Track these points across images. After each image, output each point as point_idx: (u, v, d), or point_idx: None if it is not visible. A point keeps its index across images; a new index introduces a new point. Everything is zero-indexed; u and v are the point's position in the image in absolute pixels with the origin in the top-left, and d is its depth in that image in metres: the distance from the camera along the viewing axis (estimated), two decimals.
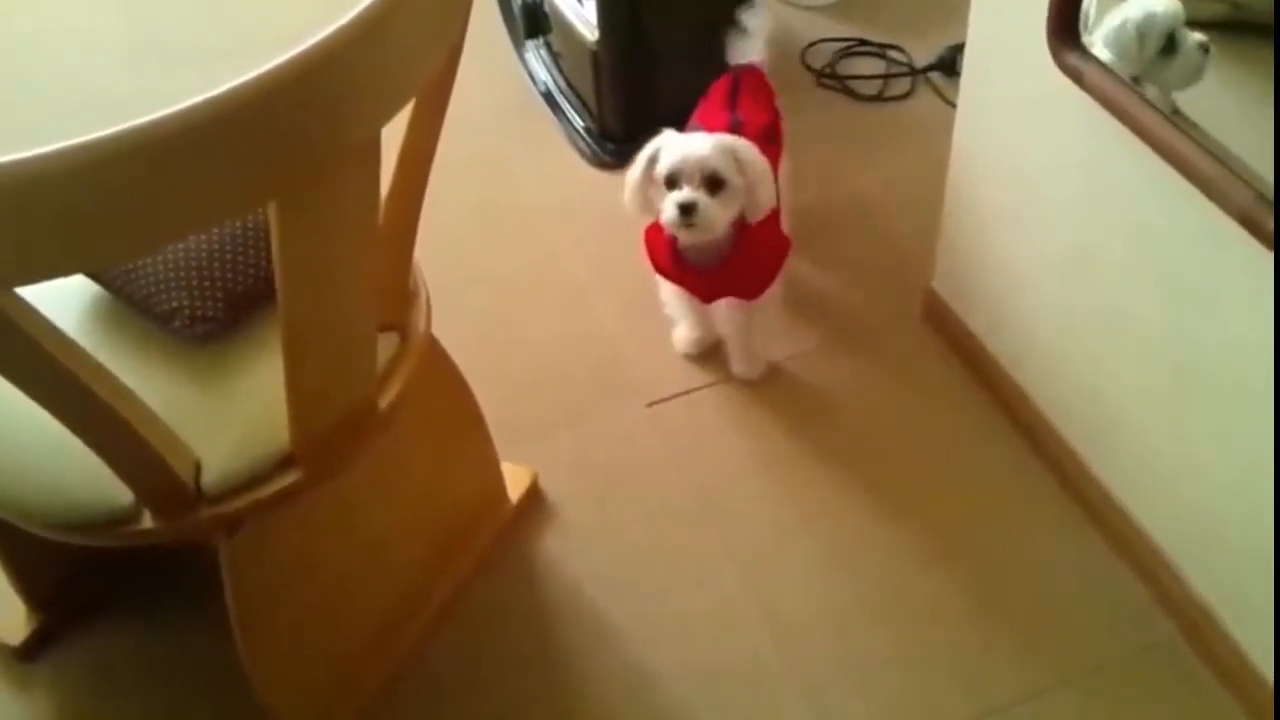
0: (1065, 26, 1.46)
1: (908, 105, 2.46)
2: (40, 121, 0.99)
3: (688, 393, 1.95)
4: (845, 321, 2.04)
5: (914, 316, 2.03)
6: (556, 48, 2.46)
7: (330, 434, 1.31)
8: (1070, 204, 1.58)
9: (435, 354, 1.53)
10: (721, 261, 1.80)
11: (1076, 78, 1.45)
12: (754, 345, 1.96)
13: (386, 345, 1.40)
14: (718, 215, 1.69)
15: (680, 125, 1.81)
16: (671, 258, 1.84)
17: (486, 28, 2.69)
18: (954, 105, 2.21)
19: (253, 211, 1.35)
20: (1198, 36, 1.35)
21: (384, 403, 1.37)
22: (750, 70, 1.96)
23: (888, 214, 2.22)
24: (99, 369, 1.09)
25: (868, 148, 2.37)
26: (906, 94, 2.48)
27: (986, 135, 1.75)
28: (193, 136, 0.87)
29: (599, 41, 2.18)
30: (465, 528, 1.71)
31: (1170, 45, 1.36)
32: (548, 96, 2.49)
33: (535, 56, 2.56)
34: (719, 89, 1.93)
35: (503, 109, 2.52)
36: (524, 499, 1.78)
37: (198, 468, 1.26)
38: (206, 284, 1.36)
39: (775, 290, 1.90)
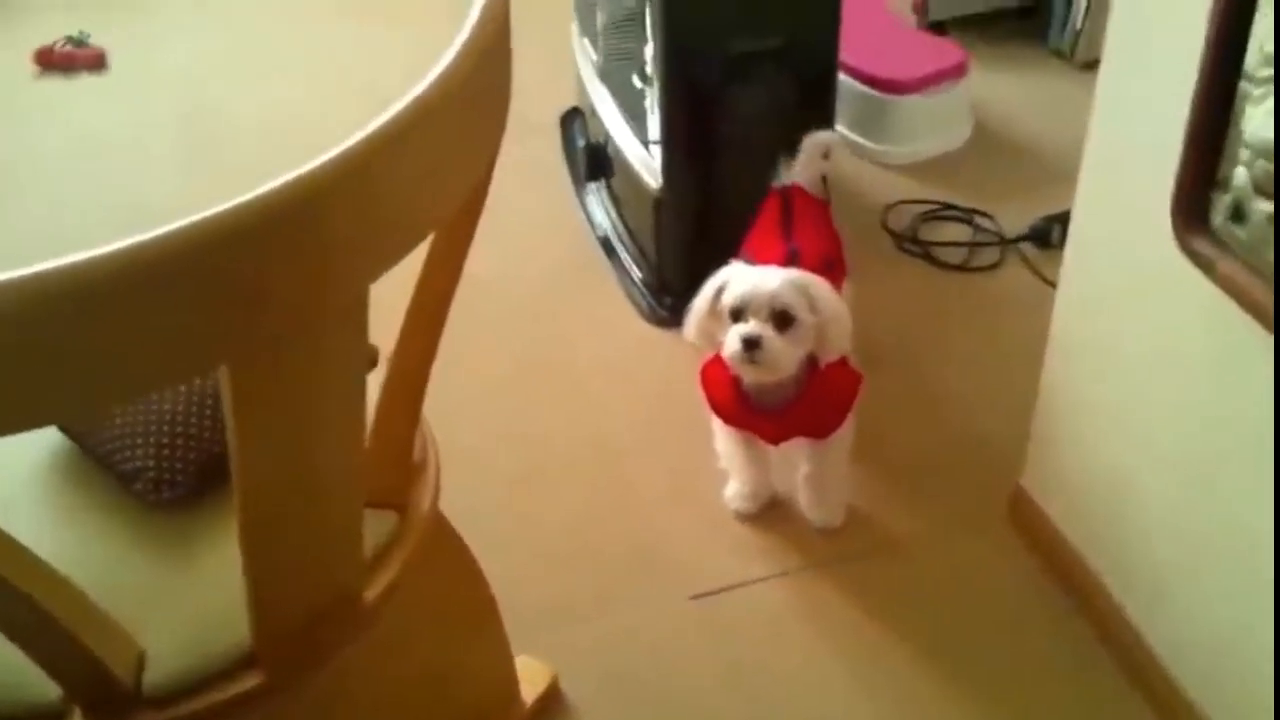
0: (1192, 209, 1.26)
1: (995, 276, 2.26)
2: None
3: (740, 586, 1.71)
4: (921, 516, 1.81)
5: (998, 514, 1.79)
6: (618, 191, 2.31)
7: (302, 629, 1.11)
8: (1193, 406, 1.35)
9: (442, 534, 1.33)
10: (788, 404, 1.65)
11: (1206, 267, 1.24)
12: (829, 488, 1.78)
13: (381, 525, 1.20)
14: (785, 354, 1.54)
15: None
16: (733, 398, 1.68)
17: (546, 163, 2.55)
18: (1047, 281, 2.02)
19: (200, 377, 1.18)
20: (1267, 208, 1.18)
21: (372, 594, 1.16)
22: (797, 190, 1.81)
23: (971, 396, 2.00)
24: (21, 552, 0.91)
25: (951, 321, 2.17)
26: (994, 265, 2.28)
27: (1092, 319, 1.53)
28: (119, 283, 0.69)
29: (663, 189, 2.02)
30: None
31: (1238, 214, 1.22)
32: (605, 243, 2.32)
33: (596, 200, 2.41)
34: (769, 213, 1.80)
35: (557, 253, 2.36)
36: (540, 701, 1.55)
37: (140, 662, 1.06)
38: (178, 444, 1.18)
39: (847, 428, 1.73)
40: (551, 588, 1.72)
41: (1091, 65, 2.76)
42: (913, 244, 2.31)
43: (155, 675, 1.05)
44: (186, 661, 1.07)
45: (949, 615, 1.67)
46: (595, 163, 2.29)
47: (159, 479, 1.16)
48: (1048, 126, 2.62)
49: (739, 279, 1.58)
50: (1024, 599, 1.68)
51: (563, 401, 2.04)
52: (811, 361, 1.63)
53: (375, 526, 1.19)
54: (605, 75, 2.27)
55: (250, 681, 1.09)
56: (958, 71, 2.50)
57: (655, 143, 2.02)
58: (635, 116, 2.11)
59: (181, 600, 1.12)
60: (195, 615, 1.10)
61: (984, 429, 1.94)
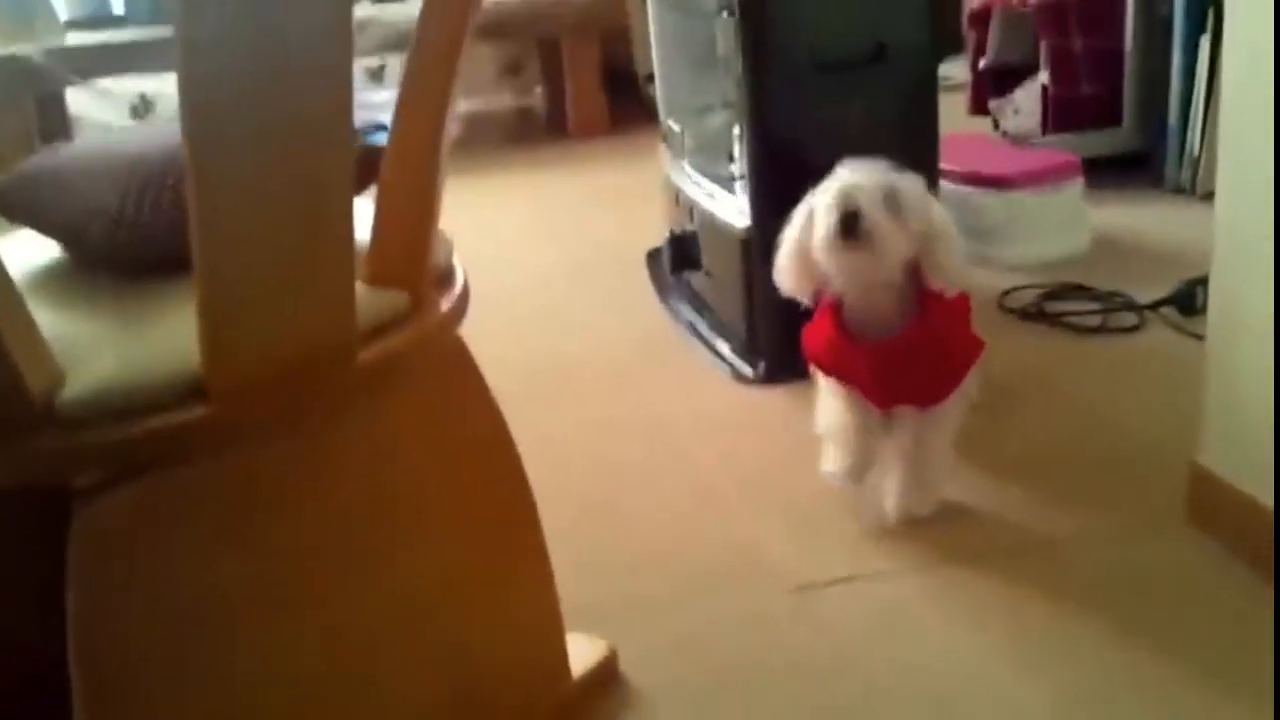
0: None
1: (1137, 337, 1.98)
2: None
3: (853, 579, 1.38)
4: (1082, 518, 1.47)
5: (1174, 515, 1.43)
6: (706, 277, 2.13)
7: (272, 372, 0.86)
8: None
9: (466, 372, 1.07)
10: (897, 335, 1.40)
11: None
12: (925, 470, 1.46)
13: (389, 301, 0.97)
14: (891, 234, 1.30)
15: None
16: (835, 335, 1.43)
17: (634, 291, 2.40)
18: (1198, 336, 1.80)
19: None
20: None
21: (365, 357, 0.92)
22: None
23: (1127, 422, 1.70)
24: None
25: (1093, 367, 1.89)
26: (1135, 327, 2.01)
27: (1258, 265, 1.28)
28: None
29: (751, 228, 1.84)
30: (494, 696, 1.13)
31: None
32: (693, 332, 2.13)
33: (686, 308, 2.23)
34: None
35: (645, 339, 2.18)
36: (591, 678, 1.21)
37: (58, 382, 0.82)
38: (150, 189, 0.98)
39: (956, 405, 1.46)
40: (621, 583, 1.41)
41: (1214, 196, 2.58)
42: (1039, 316, 2.05)
43: (73, 393, 0.81)
44: (115, 382, 0.83)
45: (1130, 610, 1.29)
46: (681, 252, 2.14)
47: (120, 219, 0.95)
48: (1178, 240, 2.39)
49: (833, 181, 1.38)
50: (1217, 590, 1.31)
51: (647, 443, 1.78)
52: (920, 287, 1.40)
53: (382, 301, 0.97)
54: (694, 149, 2.17)
55: (193, 412, 0.83)
56: (1068, 170, 2.33)
57: (741, 178, 1.87)
58: (722, 173, 1.98)
59: (123, 338, 0.89)
60: (136, 345, 0.87)
61: (1146, 446, 1.62)
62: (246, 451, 0.88)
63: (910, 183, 1.37)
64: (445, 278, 1.06)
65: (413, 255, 1.00)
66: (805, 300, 1.45)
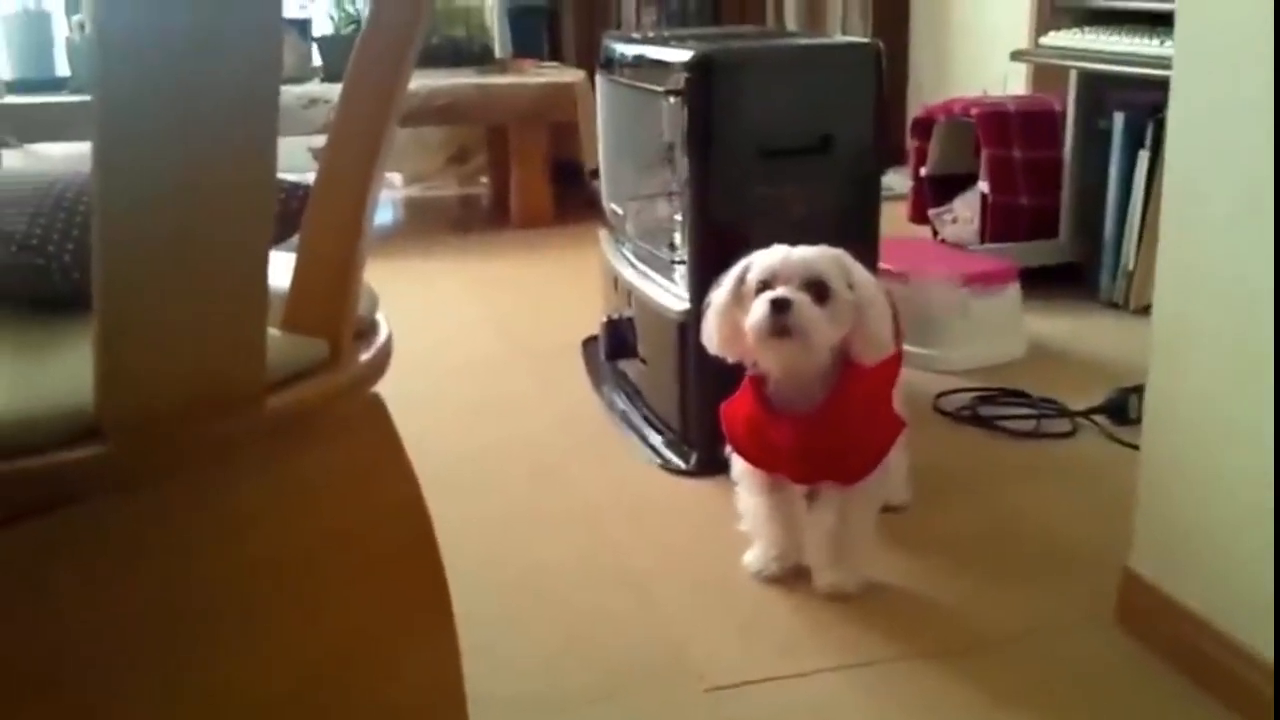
0: None
1: (1069, 444, 1.98)
2: None
3: (773, 679, 1.33)
4: (1012, 619, 1.45)
5: (1104, 619, 1.41)
6: (642, 354, 2.09)
7: (172, 413, 0.81)
8: None
9: (382, 431, 1.02)
10: (816, 409, 1.40)
11: None
12: (848, 546, 1.46)
13: (307, 349, 0.93)
14: (819, 323, 1.31)
15: None
16: (756, 409, 1.42)
17: (568, 375, 2.37)
18: (1130, 445, 1.81)
19: None
20: None
21: (275, 403, 0.87)
22: None
23: (1056, 526, 1.68)
24: None
25: (1025, 470, 1.89)
26: (1069, 433, 2.00)
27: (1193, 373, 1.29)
28: None
29: (688, 311, 1.82)
30: None
31: None
32: (626, 421, 2.09)
33: (618, 396, 2.20)
34: None
35: (575, 427, 2.13)
36: None
37: None
38: (60, 217, 0.93)
39: (877, 479, 1.46)
40: (536, 680, 1.34)
41: (1147, 310, 2.61)
42: (971, 420, 2.05)
43: None
44: (4, 418, 0.77)
45: (1058, 711, 1.27)
46: (617, 337, 2.11)
47: (25, 244, 0.91)
48: (1111, 351, 2.41)
49: (766, 254, 1.40)
50: (1145, 692, 1.28)
51: (571, 532, 1.72)
52: (844, 360, 1.41)
53: (297, 348, 0.92)
54: (636, 234, 2.15)
55: (85, 451, 0.78)
56: (1006, 275, 2.35)
57: (682, 263, 1.85)
58: (662, 258, 1.96)
59: (19, 374, 0.84)
60: (33, 380, 0.82)
61: (1075, 549, 1.61)
62: (141, 494, 0.82)
63: (838, 258, 1.38)
64: (367, 330, 1.02)
65: (333, 303, 0.96)
66: (732, 359, 1.44)
